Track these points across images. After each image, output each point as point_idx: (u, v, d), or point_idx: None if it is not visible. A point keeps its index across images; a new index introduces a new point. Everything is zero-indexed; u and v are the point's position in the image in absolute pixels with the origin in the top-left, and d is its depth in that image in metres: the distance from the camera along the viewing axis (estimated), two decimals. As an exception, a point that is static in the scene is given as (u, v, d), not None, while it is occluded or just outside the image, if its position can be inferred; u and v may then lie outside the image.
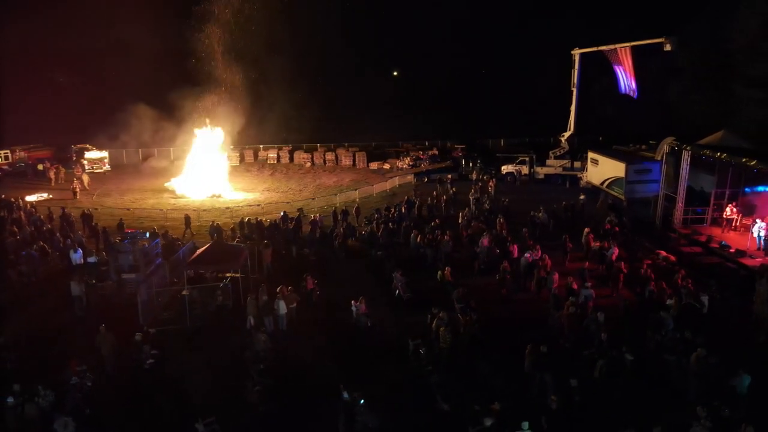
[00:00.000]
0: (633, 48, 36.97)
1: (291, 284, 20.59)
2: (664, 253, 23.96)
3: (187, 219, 30.76)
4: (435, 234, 26.52)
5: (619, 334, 17.18)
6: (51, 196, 40.06)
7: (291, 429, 14.43)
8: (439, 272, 22.95)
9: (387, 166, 51.61)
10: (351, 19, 79.05)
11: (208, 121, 43.46)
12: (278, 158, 55.82)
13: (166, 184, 42.29)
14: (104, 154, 51.34)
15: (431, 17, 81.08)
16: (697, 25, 52.98)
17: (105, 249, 25.06)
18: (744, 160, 22.45)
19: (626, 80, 38.17)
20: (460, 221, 30.17)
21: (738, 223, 26.53)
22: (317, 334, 19.20)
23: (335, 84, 75.67)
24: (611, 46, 38.49)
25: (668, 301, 18.66)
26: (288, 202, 36.42)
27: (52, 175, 45.45)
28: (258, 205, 36.21)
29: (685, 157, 26.87)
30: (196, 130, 43.33)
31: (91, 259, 23.25)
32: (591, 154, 39.11)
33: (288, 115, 63.89)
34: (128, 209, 34.27)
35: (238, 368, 16.88)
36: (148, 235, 23.58)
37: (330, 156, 54.40)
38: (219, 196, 40.06)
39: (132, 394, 15.76)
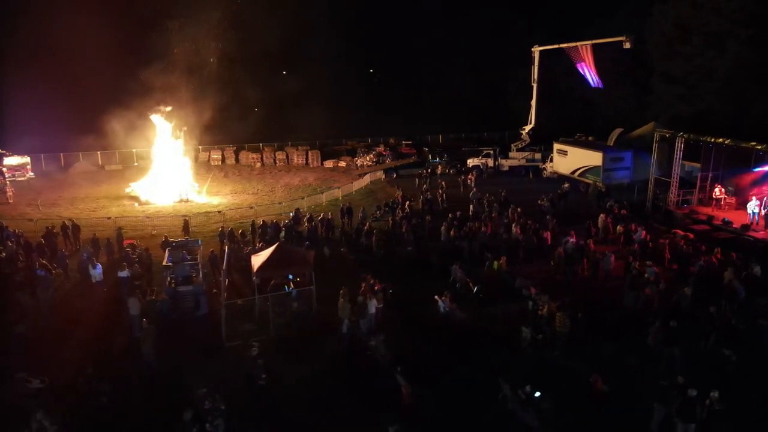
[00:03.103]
0: (593, 45, 39.78)
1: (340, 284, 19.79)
2: (680, 231, 26.14)
3: (186, 224, 28.47)
4: (469, 226, 26.77)
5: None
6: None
7: (465, 429, 14.00)
8: (495, 262, 23.29)
9: (343, 163, 50.92)
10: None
11: (164, 121, 40.09)
12: (223, 159, 52.84)
13: (127, 190, 38.45)
14: (26, 159, 45.46)
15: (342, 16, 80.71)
16: (608, 24, 57.00)
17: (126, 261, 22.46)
18: (753, 144, 25.16)
19: (591, 75, 40.91)
20: (471, 214, 30.77)
21: (723, 202, 29.58)
22: (414, 331, 18.69)
23: (262, 83, 73.00)
24: (572, 44, 41.02)
25: (725, 273, 20.43)
26: (280, 203, 34.84)
27: (-30, 184, 39.55)
28: (251, 207, 34.13)
29: (679, 144, 29.39)
30: (158, 132, 39.87)
31: (123, 274, 20.64)
32: (558, 146, 41.44)
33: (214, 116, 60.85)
34: (109, 218, 30.75)
35: (364, 374, 16.10)
36: (200, 243, 21.41)
37: (281, 155, 52.53)
38: (187, 201, 37.23)
39: (271, 413, 14.40)
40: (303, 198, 36.04)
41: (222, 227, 26.86)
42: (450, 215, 28.82)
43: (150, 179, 38.72)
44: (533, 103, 44.98)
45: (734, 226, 26.45)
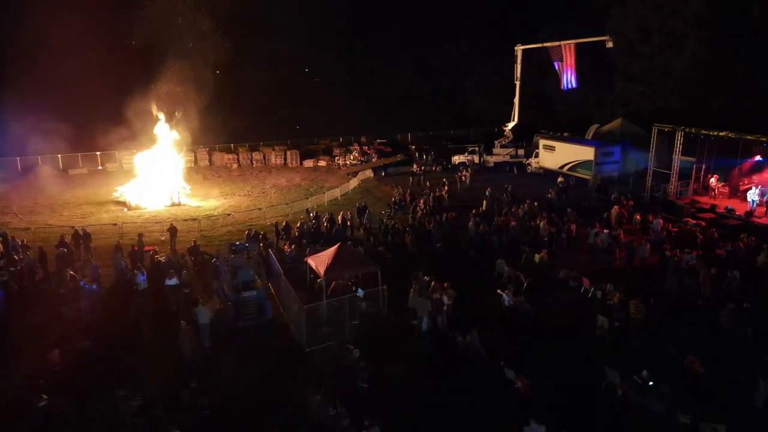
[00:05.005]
0: (577, 44, 41.32)
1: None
2: (691, 220, 27.63)
3: (173, 230, 27.15)
4: (497, 221, 27.16)
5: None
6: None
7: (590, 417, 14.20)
8: (536, 255, 23.77)
9: (323, 163, 50.23)
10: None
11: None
12: (195, 160, 50.69)
13: (114, 194, 36.17)
14: (-17, 164, 41.97)
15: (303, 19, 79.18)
16: (566, 25, 58.89)
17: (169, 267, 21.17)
18: (757, 136, 27.02)
19: (567, 75, 42.36)
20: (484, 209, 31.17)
21: (717, 191, 31.55)
22: (488, 326, 18.71)
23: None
24: (555, 43, 42.40)
25: (759, 257, 21.88)
26: (287, 203, 33.93)
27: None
28: (259, 209, 32.97)
29: (679, 138, 31.08)
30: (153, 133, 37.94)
31: (171, 282, 19.47)
32: (544, 141, 42.71)
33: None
34: (114, 224, 28.80)
35: (462, 371, 15.99)
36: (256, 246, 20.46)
37: (257, 156, 51.11)
38: (179, 204, 35.55)
39: (390, 416, 14.04)
40: (308, 198, 35.27)
41: (248, 230, 25.88)
42: (474, 211, 29.08)
43: (138, 182, 36.59)
44: (516, 100, 46.02)
45: (737, 213, 28.26)
